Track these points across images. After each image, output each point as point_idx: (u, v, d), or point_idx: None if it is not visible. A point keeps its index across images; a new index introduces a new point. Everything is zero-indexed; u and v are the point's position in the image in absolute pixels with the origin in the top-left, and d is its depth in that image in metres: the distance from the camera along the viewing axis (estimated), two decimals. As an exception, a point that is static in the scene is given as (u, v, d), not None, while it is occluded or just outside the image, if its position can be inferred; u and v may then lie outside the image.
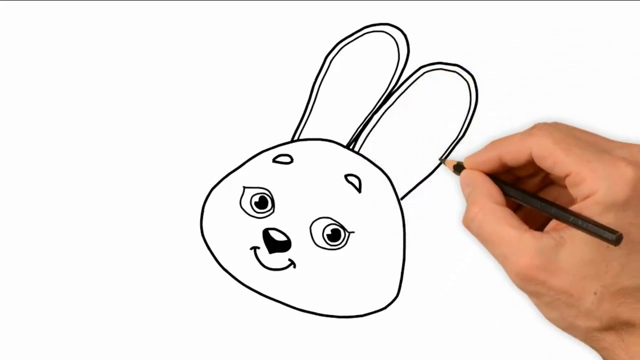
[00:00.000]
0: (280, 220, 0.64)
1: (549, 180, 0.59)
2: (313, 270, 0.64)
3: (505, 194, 0.57)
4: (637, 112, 0.64)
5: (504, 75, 0.64)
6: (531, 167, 0.57)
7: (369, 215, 0.64)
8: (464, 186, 0.59)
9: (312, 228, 0.64)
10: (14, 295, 0.64)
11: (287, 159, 0.64)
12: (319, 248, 0.64)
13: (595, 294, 0.53)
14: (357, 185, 0.64)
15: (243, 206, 0.64)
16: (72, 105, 0.64)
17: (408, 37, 0.64)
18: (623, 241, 0.51)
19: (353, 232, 0.64)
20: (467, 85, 0.64)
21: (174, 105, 0.64)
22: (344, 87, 0.64)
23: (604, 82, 0.64)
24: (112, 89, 0.64)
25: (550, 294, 0.54)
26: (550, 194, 0.59)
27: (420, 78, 0.64)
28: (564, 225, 0.54)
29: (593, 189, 0.53)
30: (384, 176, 0.64)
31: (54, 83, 0.64)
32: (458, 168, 0.59)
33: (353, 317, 0.64)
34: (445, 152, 0.64)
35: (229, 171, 0.64)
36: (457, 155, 0.63)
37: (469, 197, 0.57)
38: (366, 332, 0.64)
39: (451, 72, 0.64)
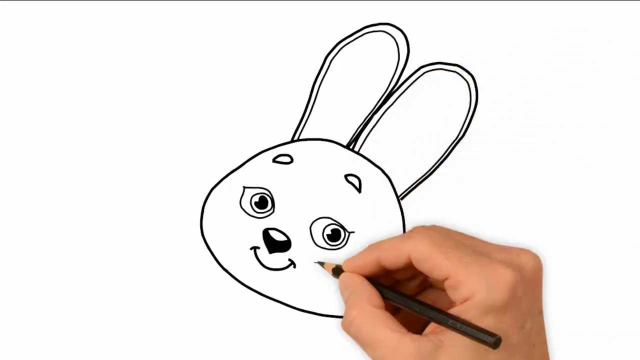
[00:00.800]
0: (280, 220, 0.64)
1: (427, 283, 0.60)
2: (313, 270, 0.64)
3: (384, 297, 0.58)
4: (637, 112, 0.64)
5: (504, 75, 0.64)
6: (410, 270, 0.58)
7: (369, 215, 0.64)
8: (342, 289, 0.60)
9: (312, 228, 0.64)
10: (14, 295, 0.64)
11: (287, 159, 0.64)
12: (319, 248, 0.64)
13: None
14: (357, 185, 0.64)
15: (243, 206, 0.64)
16: (72, 106, 0.64)
17: (408, 37, 0.64)
18: (502, 344, 0.52)
19: (353, 232, 0.64)
20: (467, 85, 0.64)
21: (174, 106, 0.64)
22: (344, 87, 0.64)
23: (604, 82, 0.64)
24: (112, 90, 0.64)
25: None
26: (429, 297, 0.60)
27: (420, 78, 0.64)
28: (443, 328, 0.54)
29: (471, 292, 0.54)
30: (384, 176, 0.64)
31: (54, 83, 0.64)
32: (337, 271, 0.60)
33: (353, 317, 0.64)
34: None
35: (229, 171, 0.64)
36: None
37: (348, 301, 0.58)
38: (366, 332, 0.64)
39: (451, 72, 0.64)
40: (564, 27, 0.64)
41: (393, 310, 0.58)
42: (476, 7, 0.64)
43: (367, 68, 0.64)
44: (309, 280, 0.64)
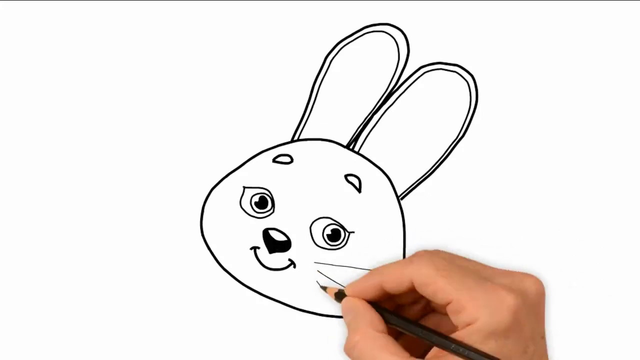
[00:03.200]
0: (280, 220, 0.64)
1: (430, 307, 0.60)
2: (313, 270, 0.64)
3: (387, 321, 0.58)
4: (637, 112, 0.64)
5: (504, 75, 0.64)
6: (412, 295, 0.58)
7: (369, 215, 0.64)
8: (345, 314, 0.60)
9: (312, 228, 0.64)
10: (14, 295, 0.64)
11: (287, 159, 0.64)
12: (319, 248, 0.64)
13: None
14: (357, 185, 0.64)
15: (243, 206, 0.64)
16: (72, 106, 0.64)
17: (408, 37, 0.64)
18: None
19: (353, 232, 0.64)
20: (467, 85, 0.64)
21: (174, 106, 0.64)
22: (344, 87, 0.64)
23: (604, 82, 0.64)
24: (112, 89, 0.64)
25: None
26: (431, 322, 0.60)
27: (420, 78, 0.64)
28: (445, 352, 0.54)
29: (474, 316, 0.54)
30: (384, 176, 0.64)
31: (54, 83, 0.64)
32: (339, 295, 0.60)
33: (353, 317, 0.64)
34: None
35: (229, 171, 0.64)
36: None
37: (350, 325, 0.58)
38: (366, 332, 0.64)
39: (451, 72, 0.64)
40: (564, 27, 0.64)
41: (395, 334, 0.58)
42: (476, 7, 0.64)
43: (367, 68, 0.64)
44: (309, 280, 0.64)
